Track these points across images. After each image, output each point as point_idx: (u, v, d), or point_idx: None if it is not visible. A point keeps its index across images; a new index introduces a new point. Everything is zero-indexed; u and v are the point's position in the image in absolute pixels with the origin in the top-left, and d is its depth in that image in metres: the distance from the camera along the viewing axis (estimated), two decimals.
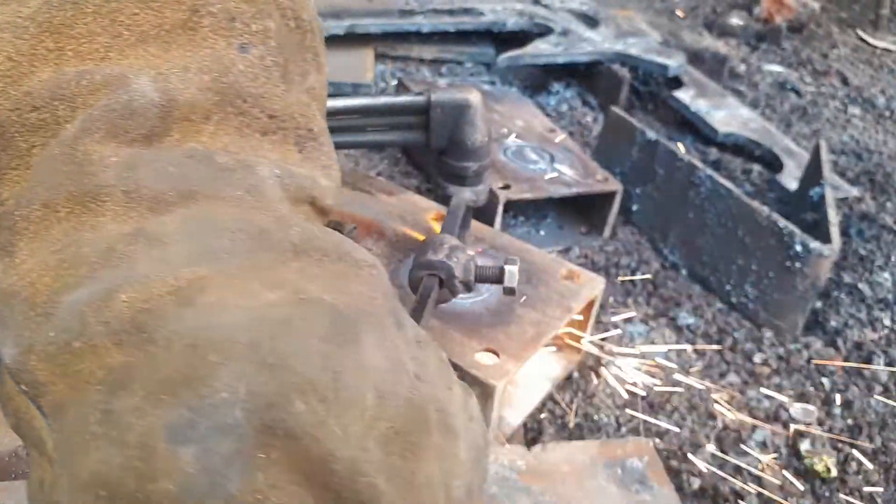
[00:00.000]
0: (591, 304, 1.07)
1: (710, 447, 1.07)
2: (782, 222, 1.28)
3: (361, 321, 0.39)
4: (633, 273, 1.45)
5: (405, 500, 0.36)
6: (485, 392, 0.85)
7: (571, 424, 1.09)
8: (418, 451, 0.38)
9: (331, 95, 2.09)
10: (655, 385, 1.18)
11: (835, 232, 1.31)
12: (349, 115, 0.92)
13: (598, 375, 1.19)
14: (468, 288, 0.87)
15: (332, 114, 0.90)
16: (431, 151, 0.99)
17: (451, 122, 0.93)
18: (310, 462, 0.33)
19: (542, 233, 1.56)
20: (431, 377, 0.42)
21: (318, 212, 0.48)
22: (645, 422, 1.12)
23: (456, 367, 0.87)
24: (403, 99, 0.95)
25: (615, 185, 1.50)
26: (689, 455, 1.06)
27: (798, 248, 1.25)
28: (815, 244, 1.24)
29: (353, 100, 1.01)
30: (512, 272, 0.84)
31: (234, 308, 0.36)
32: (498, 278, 0.85)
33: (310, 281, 0.39)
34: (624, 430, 1.10)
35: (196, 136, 0.42)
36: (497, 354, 0.88)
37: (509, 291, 0.86)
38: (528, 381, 1.09)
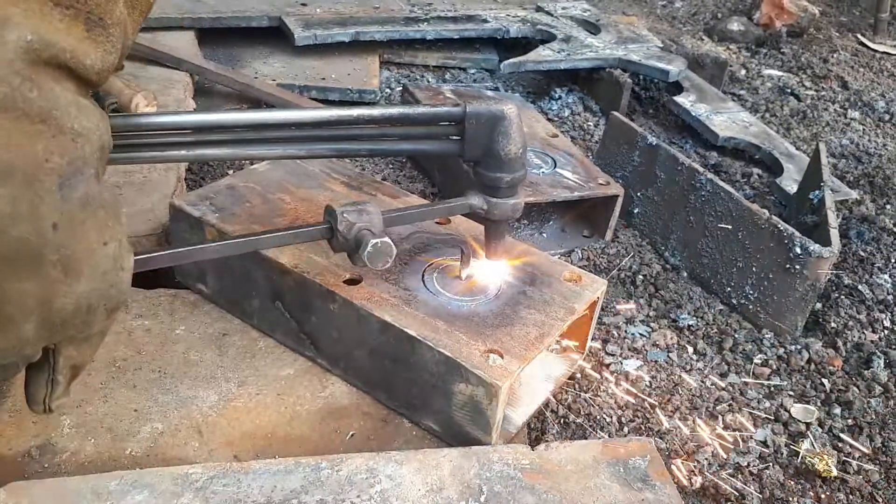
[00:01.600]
0: (593, 306, 1.09)
1: (711, 447, 1.09)
2: (782, 225, 1.30)
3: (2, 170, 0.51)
4: (634, 275, 1.47)
5: None
6: (489, 392, 0.87)
7: (574, 424, 1.11)
8: (14, 272, 0.53)
9: (353, 103, 2.10)
10: (657, 385, 1.20)
11: (834, 234, 1.32)
12: (384, 125, 0.93)
13: (601, 375, 1.21)
14: (347, 244, 0.88)
15: (367, 122, 0.91)
16: (462, 162, 0.98)
17: (486, 133, 0.93)
18: None
19: (545, 235, 1.58)
20: (76, 232, 0.56)
21: (77, 80, 0.57)
22: (647, 421, 1.13)
23: (461, 367, 0.89)
24: (439, 109, 0.96)
25: (617, 189, 1.52)
26: (691, 454, 1.08)
27: (797, 250, 1.27)
28: (814, 246, 1.26)
29: (388, 108, 1.03)
30: (368, 242, 0.86)
31: None
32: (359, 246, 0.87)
33: None
34: (626, 429, 1.12)
35: None
36: (501, 355, 0.90)
37: (359, 261, 0.88)
38: (532, 381, 1.11)
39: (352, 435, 0.96)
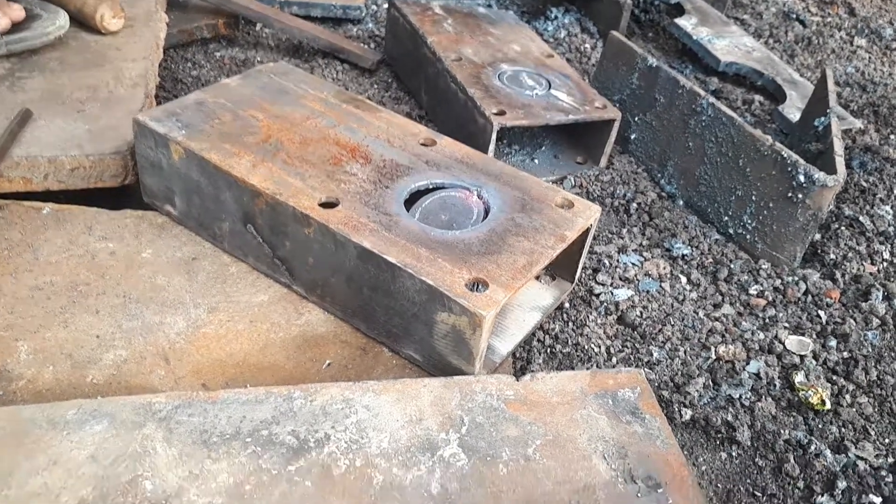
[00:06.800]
0: (585, 233, 1.03)
1: (703, 378, 1.05)
2: (786, 152, 1.23)
3: None
4: (628, 203, 1.41)
5: None
6: (473, 322, 0.82)
7: (561, 354, 1.07)
8: None
9: (337, 20, 2.00)
10: (648, 316, 1.15)
11: (840, 162, 1.26)
12: None
13: (590, 305, 1.16)
14: None
15: None
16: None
17: None
18: None
19: (536, 161, 1.51)
20: None
21: None
22: (636, 352, 1.09)
23: (444, 296, 0.83)
24: None
25: (614, 113, 1.44)
26: (681, 386, 1.04)
27: (801, 178, 1.21)
28: (819, 175, 1.20)
29: None
30: None
31: None
32: None
33: None
34: (615, 360, 1.08)
35: None
36: (487, 284, 0.84)
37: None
38: (519, 310, 1.06)
39: (328, 364, 0.91)
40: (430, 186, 1.01)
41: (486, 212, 0.98)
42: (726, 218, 1.35)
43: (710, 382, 1.06)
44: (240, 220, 0.99)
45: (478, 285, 0.85)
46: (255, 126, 1.06)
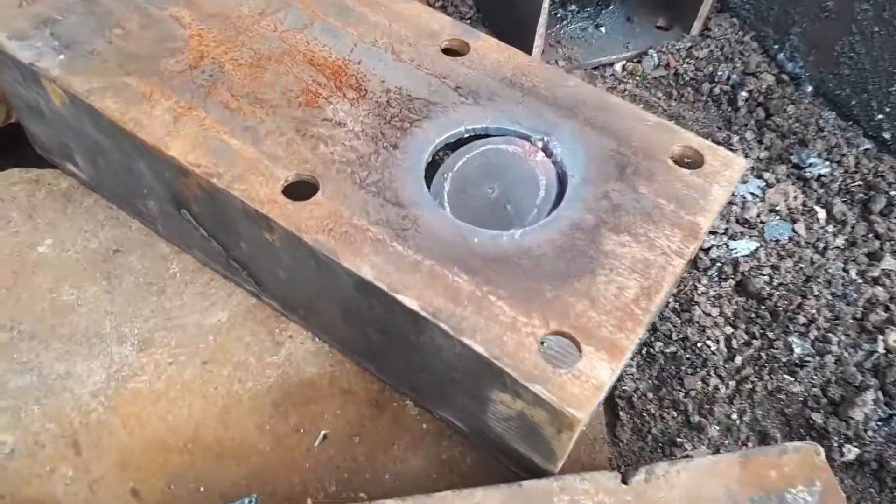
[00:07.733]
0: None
1: (871, 392, 0.72)
2: None
3: None
4: (734, 91, 1.01)
5: None
6: (557, 421, 0.48)
7: (662, 356, 0.74)
8: None
9: None
10: (780, 281, 0.80)
11: None
12: None
13: (698, 267, 0.82)
14: None
15: None
16: None
17: None
18: None
19: (603, 29, 1.09)
20: None
21: None
22: (770, 346, 0.76)
23: (504, 373, 0.48)
24: None
25: None
26: (838, 404, 0.72)
27: None
28: None
29: None
30: None
31: None
32: None
33: None
34: (738, 359, 0.75)
35: None
36: (577, 343, 0.50)
37: None
38: None
39: (324, 437, 0.60)
40: (466, 136, 0.63)
41: (561, 179, 0.61)
42: (881, 116, 0.95)
43: (880, 394, 0.73)
44: (169, 202, 0.63)
45: (557, 342, 0.51)
46: (179, 37, 0.66)
